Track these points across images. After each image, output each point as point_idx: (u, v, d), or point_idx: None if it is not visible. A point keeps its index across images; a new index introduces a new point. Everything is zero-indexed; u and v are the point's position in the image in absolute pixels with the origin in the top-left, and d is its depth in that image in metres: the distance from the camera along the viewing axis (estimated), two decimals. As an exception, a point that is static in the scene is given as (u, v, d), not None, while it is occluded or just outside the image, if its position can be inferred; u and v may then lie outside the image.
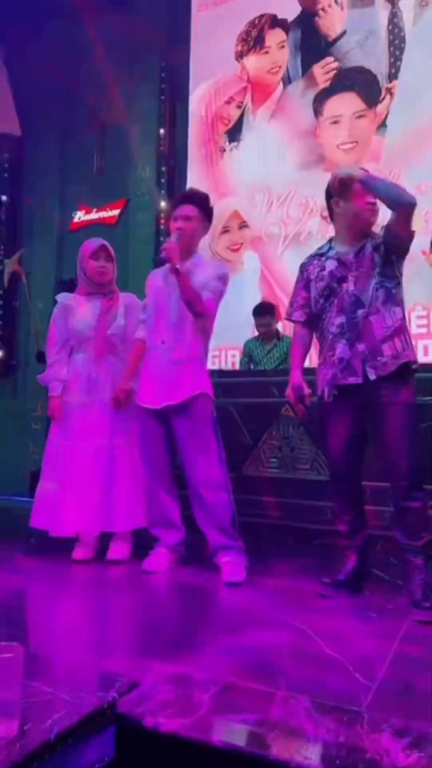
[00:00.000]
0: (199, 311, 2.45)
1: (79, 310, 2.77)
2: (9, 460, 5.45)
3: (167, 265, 2.50)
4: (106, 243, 2.82)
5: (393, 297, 2.15)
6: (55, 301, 3.06)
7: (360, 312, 2.14)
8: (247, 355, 4.23)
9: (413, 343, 2.22)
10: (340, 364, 2.16)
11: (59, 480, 2.69)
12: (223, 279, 2.54)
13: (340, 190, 2.19)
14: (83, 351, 2.77)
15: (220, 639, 1.75)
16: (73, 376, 2.76)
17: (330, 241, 2.33)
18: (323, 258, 2.28)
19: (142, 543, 2.68)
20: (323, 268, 2.25)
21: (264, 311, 4.18)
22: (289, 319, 2.43)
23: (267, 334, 4.16)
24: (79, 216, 5.67)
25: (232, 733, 1.15)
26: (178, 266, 2.38)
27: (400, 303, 2.18)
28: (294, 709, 1.25)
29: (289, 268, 5.10)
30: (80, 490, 2.64)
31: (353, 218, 2.20)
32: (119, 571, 2.55)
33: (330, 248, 2.29)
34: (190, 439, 2.47)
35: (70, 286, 5.24)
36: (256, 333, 4.26)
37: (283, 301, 5.12)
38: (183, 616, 1.98)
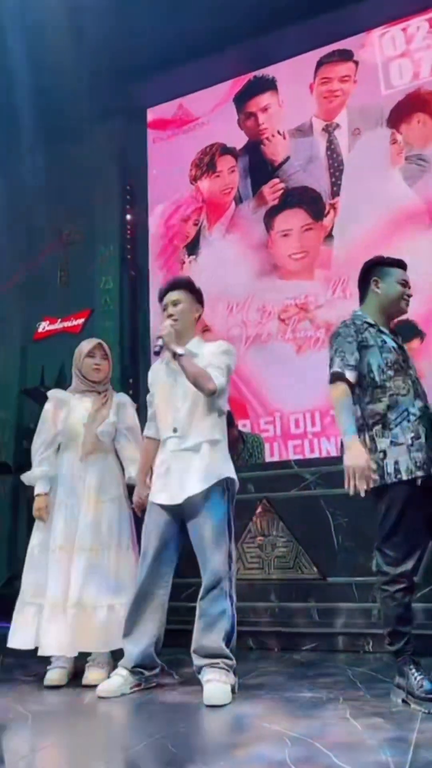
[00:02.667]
0: (210, 389, 2.33)
1: (71, 407, 2.73)
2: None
3: (168, 354, 2.46)
4: (102, 342, 2.87)
5: None
6: (20, 410, 3.01)
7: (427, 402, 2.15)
8: None
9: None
10: (429, 450, 2.07)
11: (41, 594, 2.51)
12: (228, 353, 2.47)
13: (380, 274, 2.24)
14: (71, 449, 2.70)
15: (219, 759, 1.58)
16: (59, 476, 2.67)
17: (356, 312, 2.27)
18: (375, 328, 2.20)
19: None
20: (384, 341, 2.17)
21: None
22: (340, 377, 2.10)
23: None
24: (44, 326, 5.76)
25: None
26: (177, 350, 2.34)
27: None
28: None
29: (252, 367, 5.25)
30: (60, 607, 2.46)
31: (391, 304, 2.25)
32: (94, 698, 2.29)
33: (372, 324, 2.21)
34: (203, 537, 2.27)
35: (34, 395, 5.22)
36: None
37: (249, 400, 5.21)
38: (172, 741, 1.78)
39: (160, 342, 2.36)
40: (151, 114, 6.22)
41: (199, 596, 2.27)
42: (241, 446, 4.14)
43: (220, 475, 2.33)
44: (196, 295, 2.57)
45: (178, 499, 2.31)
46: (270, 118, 5.77)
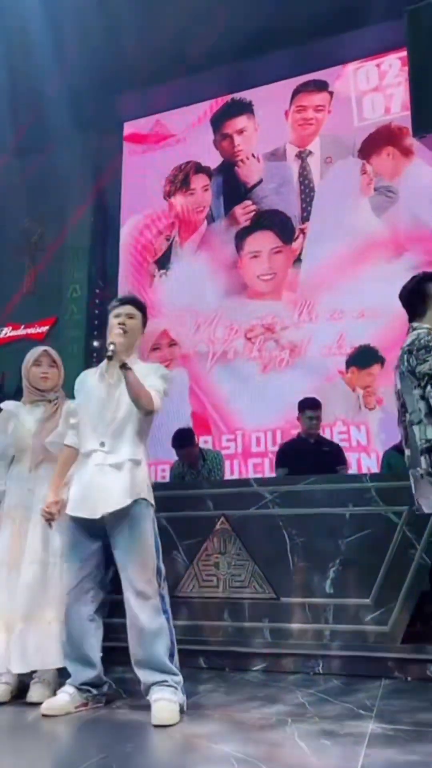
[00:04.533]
0: (148, 408, 2.32)
1: (20, 418, 2.67)
2: None
3: (102, 365, 2.43)
4: (48, 349, 2.81)
5: None
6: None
7: None
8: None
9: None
10: None
11: None
12: (165, 378, 2.46)
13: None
14: (21, 461, 2.64)
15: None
16: (8, 488, 2.60)
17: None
18: None
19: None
20: None
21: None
22: None
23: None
24: (6, 332, 5.67)
25: None
26: (125, 360, 2.29)
27: None
28: None
29: (217, 383, 5.27)
30: (6, 624, 2.39)
31: None
32: (39, 716, 2.22)
33: None
34: (128, 551, 2.24)
35: (-7, 401, 5.12)
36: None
37: (212, 416, 5.22)
38: (117, 761, 1.74)
39: (112, 347, 2.30)
40: (128, 128, 6.25)
41: (129, 612, 2.21)
42: (201, 463, 4.14)
43: (142, 494, 2.30)
44: (145, 319, 2.57)
45: (98, 513, 2.26)
46: (245, 141, 5.88)
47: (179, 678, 2.19)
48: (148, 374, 2.40)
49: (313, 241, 5.39)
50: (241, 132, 5.91)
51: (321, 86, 5.67)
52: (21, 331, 5.60)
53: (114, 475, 2.30)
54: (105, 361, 2.45)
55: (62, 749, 1.97)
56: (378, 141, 5.38)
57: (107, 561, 2.33)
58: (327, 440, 4.27)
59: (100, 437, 2.35)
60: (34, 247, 5.80)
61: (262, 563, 3.02)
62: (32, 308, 5.60)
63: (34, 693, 2.39)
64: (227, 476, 4.64)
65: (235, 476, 4.81)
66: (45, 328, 5.53)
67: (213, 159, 5.97)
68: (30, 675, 2.44)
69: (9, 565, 2.48)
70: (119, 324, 2.42)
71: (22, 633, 2.37)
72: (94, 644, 2.28)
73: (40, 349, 2.81)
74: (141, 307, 2.56)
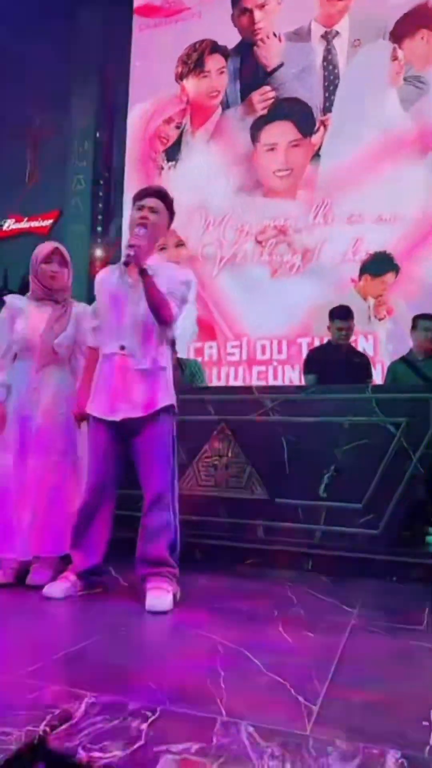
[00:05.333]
0: (166, 319, 2.28)
1: (27, 315, 2.62)
2: None
3: (121, 263, 2.34)
4: (59, 246, 2.70)
5: None
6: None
7: None
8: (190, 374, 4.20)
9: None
10: None
11: None
12: (188, 284, 2.38)
13: None
14: (26, 359, 2.62)
15: (152, 664, 1.66)
16: (14, 385, 2.61)
17: None
18: None
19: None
20: None
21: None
22: None
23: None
24: (9, 224, 5.48)
25: (173, 765, 1.08)
26: (145, 266, 2.21)
27: None
28: (236, 736, 1.19)
29: (224, 288, 5.15)
30: (13, 512, 2.49)
31: None
32: (39, 597, 2.38)
33: None
34: (148, 455, 2.30)
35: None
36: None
37: (218, 322, 5.15)
38: (111, 642, 1.86)
39: (131, 252, 2.20)
40: (138, -2, 5.68)
41: (143, 510, 2.32)
42: (178, 373, 4.14)
43: (167, 400, 2.34)
44: (171, 213, 2.43)
45: (123, 415, 2.29)
46: (266, 17, 5.34)
47: (176, 570, 2.31)
48: (172, 280, 2.32)
49: (335, 134, 5.04)
50: (262, 6, 5.35)
51: None
52: (24, 224, 5.41)
53: (138, 381, 2.29)
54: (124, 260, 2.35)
55: (57, 631, 2.10)
56: (413, 22, 4.87)
57: (125, 458, 2.38)
58: (358, 351, 4.17)
59: (120, 340, 2.31)
60: (37, 135, 5.47)
61: (259, 466, 3.09)
62: (35, 200, 5.37)
63: (36, 576, 2.52)
64: (231, 383, 4.65)
65: (239, 383, 4.81)
66: (49, 222, 5.35)
67: (230, 37, 5.46)
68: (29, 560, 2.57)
69: (17, 454, 2.54)
70: (140, 219, 2.30)
71: (30, 520, 2.48)
72: (101, 534, 2.38)
73: (51, 245, 2.69)
74: (167, 200, 2.39)
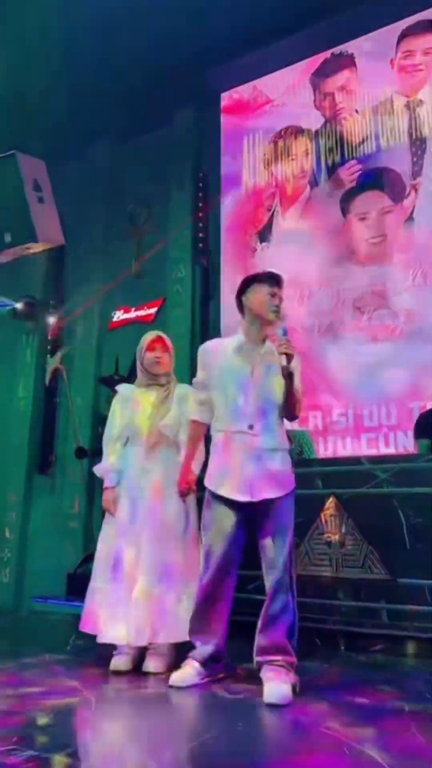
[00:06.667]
0: (298, 414, 2.40)
1: (135, 401, 2.77)
2: (46, 561, 5.33)
3: (238, 338, 2.40)
4: (162, 334, 2.88)
5: None
6: (96, 397, 3.05)
7: None
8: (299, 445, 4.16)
9: None
10: None
11: (110, 581, 2.58)
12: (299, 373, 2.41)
13: None
14: (137, 443, 2.74)
15: (274, 763, 1.56)
16: (125, 469, 2.72)
17: None
18: None
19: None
20: None
21: None
22: None
23: None
24: (118, 315, 5.87)
25: None
26: (291, 366, 2.26)
27: None
28: None
29: (325, 358, 5.11)
30: (129, 596, 2.52)
31: None
32: (157, 686, 2.34)
33: None
34: (272, 538, 2.27)
35: (109, 383, 5.35)
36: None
37: (320, 390, 5.09)
38: (231, 737, 1.78)
39: (284, 361, 2.24)
40: (225, 99, 6.13)
41: (267, 598, 2.24)
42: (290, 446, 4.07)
43: (292, 483, 2.35)
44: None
45: (250, 497, 2.27)
46: (348, 97, 5.54)
47: (293, 659, 2.19)
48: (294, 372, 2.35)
49: (427, 195, 5.00)
50: (342, 88, 5.57)
51: (430, 27, 5.18)
52: (132, 314, 5.78)
53: (265, 462, 2.31)
54: (241, 334, 2.42)
55: (177, 724, 2.04)
56: None
57: (245, 540, 2.36)
58: None
59: (248, 419, 2.32)
60: (142, 231, 5.92)
61: (377, 543, 2.92)
62: (140, 292, 5.74)
63: (152, 663, 2.50)
64: (339, 454, 4.52)
65: (349, 453, 4.66)
66: (153, 310, 5.66)
67: (314, 120, 5.70)
68: (146, 647, 2.56)
69: (129, 543, 2.59)
70: (276, 305, 2.37)
71: (145, 608, 2.48)
72: (222, 618, 2.34)
73: (154, 334, 2.87)
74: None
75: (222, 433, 2.37)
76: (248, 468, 2.29)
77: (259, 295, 2.38)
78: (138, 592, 2.50)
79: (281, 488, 2.29)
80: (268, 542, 2.27)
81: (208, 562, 2.34)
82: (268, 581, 2.26)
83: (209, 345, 2.52)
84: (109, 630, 2.51)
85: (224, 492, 2.32)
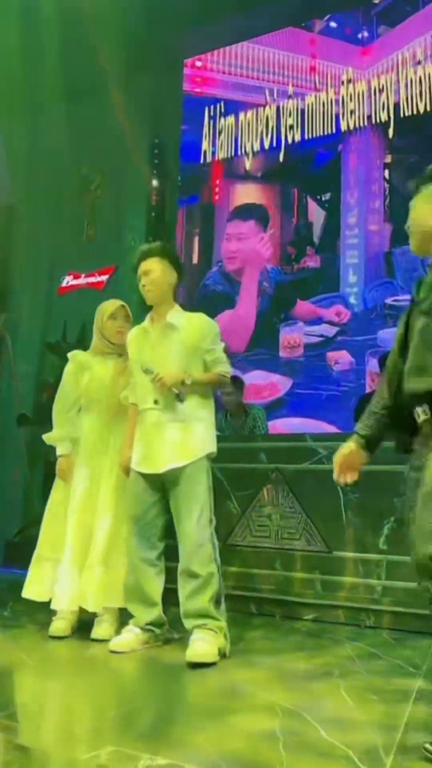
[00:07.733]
0: (227, 386, 2.49)
1: (92, 369, 2.73)
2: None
3: (146, 322, 2.48)
4: (124, 304, 2.82)
5: None
6: (42, 363, 2.99)
7: None
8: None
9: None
10: None
11: (58, 550, 2.58)
12: (219, 335, 2.48)
13: None
14: (93, 412, 2.71)
15: (207, 725, 1.61)
16: (82, 438, 2.69)
17: None
18: None
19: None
20: None
21: None
22: None
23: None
24: (68, 280, 5.72)
25: None
26: (181, 391, 2.31)
27: None
28: (297, 808, 1.13)
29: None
30: (76, 564, 2.53)
31: None
32: (98, 651, 2.37)
33: None
34: (183, 504, 2.33)
35: (56, 350, 5.23)
36: None
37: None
38: (166, 700, 1.83)
39: (176, 391, 2.32)
40: (188, 66, 6.00)
41: (181, 563, 2.30)
42: (244, 417, 4.16)
43: (204, 450, 2.37)
44: (171, 260, 2.51)
45: (160, 469, 2.35)
46: (311, 75, 5.53)
47: (222, 624, 2.26)
48: (207, 338, 2.42)
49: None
50: (307, 65, 5.57)
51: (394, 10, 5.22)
52: (82, 280, 5.64)
53: (172, 434, 2.36)
54: (148, 317, 2.49)
55: (114, 687, 2.08)
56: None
57: (165, 510, 2.42)
58: None
59: (153, 395, 2.39)
60: (94, 195, 5.75)
61: (315, 517, 3.02)
62: (92, 258, 5.60)
63: (100, 630, 2.52)
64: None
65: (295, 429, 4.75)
66: (105, 277, 5.55)
67: (277, 95, 5.68)
68: (92, 614, 2.57)
69: (84, 513, 2.59)
70: (141, 286, 2.45)
71: (99, 575, 2.50)
72: (155, 587, 2.40)
73: (116, 303, 2.82)
74: (159, 253, 2.48)
75: (140, 412, 2.47)
76: (152, 442, 2.38)
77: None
78: (97, 560, 2.51)
79: (179, 459, 2.33)
80: (177, 512, 2.36)
81: (132, 530, 2.46)
82: (181, 547, 2.32)
83: (131, 331, 2.60)
84: (54, 595, 2.53)
85: (135, 465, 2.42)
